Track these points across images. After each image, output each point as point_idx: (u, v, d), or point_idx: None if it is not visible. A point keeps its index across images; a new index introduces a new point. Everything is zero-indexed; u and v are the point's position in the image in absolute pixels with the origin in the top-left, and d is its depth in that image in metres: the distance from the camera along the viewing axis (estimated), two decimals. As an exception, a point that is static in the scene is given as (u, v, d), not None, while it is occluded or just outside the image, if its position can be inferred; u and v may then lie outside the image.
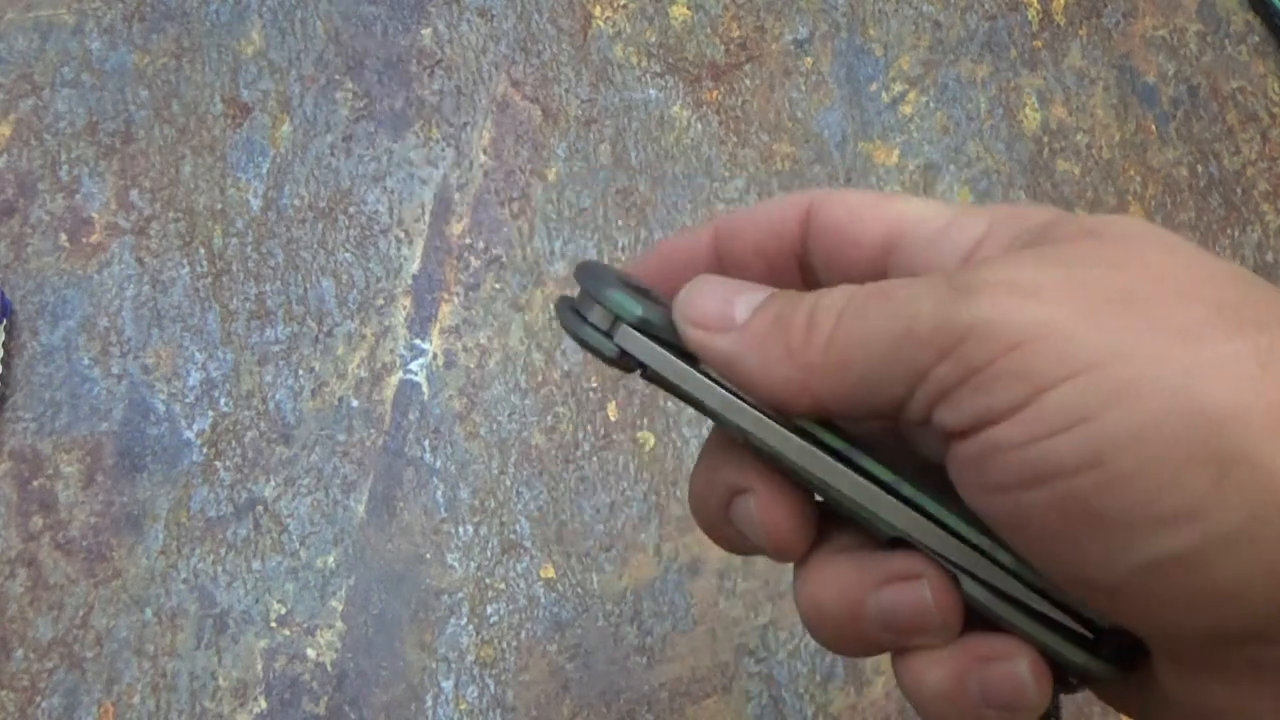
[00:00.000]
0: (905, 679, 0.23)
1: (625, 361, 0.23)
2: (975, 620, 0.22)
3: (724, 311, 0.22)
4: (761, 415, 0.22)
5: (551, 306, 0.25)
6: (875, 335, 0.20)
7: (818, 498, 0.24)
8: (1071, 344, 0.18)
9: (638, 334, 0.23)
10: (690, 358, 0.23)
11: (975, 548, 0.21)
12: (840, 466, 0.22)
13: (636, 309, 0.23)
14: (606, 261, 0.24)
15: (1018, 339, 0.18)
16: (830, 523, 0.24)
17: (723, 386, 0.23)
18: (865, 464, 0.22)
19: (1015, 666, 0.21)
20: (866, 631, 0.22)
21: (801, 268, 0.25)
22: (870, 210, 0.24)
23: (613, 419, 0.50)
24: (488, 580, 0.48)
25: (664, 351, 0.23)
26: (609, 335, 0.23)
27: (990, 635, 0.22)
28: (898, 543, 0.22)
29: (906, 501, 0.22)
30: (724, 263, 0.26)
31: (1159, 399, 0.17)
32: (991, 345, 0.19)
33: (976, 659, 0.22)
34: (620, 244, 0.53)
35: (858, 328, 0.20)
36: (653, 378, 0.23)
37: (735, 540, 0.25)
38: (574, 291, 0.24)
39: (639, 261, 0.27)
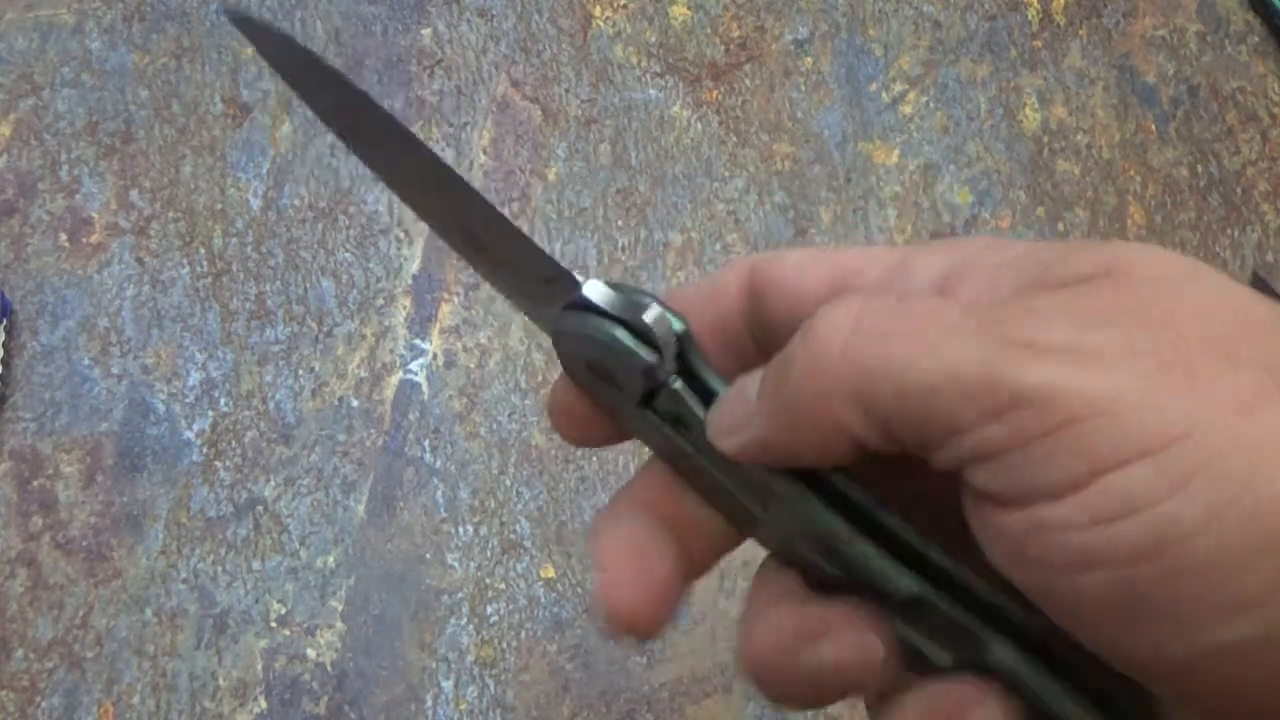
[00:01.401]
0: None
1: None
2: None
3: (744, 405, 0.21)
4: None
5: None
6: (906, 370, 0.19)
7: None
8: (1135, 424, 0.17)
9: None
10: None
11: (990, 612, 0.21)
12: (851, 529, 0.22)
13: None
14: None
15: (1080, 413, 0.17)
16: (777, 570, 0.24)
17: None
18: (881, 519, 0.22)
19: (988, 714, 0.20)
20: (798, 685, 0.22)
21: (754, 340, 0.24)
22: (813, 262, 0.23)
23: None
24: (488, 580, 0.48)
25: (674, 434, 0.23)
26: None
27: (951, 683, 0.21)
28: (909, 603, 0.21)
29: (923, 563, 0.21)
30: (761, 315, 0.25)
31: (1226, 485, 0.17)
32: (1050, 417, 0.17)
33: (945, 715, 0.20)
34: (620, 244, 0.53)
35: (875, 352, 0.19)
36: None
37: (812, 692, 0.23)
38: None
39: (672, 298, 0.26)
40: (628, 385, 0.23)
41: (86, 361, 0.50)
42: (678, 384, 0.23)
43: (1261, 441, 0.17)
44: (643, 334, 0.22)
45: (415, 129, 0.55)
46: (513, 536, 0.49)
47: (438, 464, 0.50)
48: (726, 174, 0.55)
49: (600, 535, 0.24)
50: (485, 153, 0.55)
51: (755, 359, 0.24)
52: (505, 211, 0.53)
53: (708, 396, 0.23)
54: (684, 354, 0.23)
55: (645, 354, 0.22)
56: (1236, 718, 0.18)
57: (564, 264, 0.23)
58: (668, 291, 0.25)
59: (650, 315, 0.22)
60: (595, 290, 0.23)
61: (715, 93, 0.57)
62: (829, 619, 0.21)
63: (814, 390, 0.20)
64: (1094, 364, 0.18)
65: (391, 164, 0.25)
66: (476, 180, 0.54)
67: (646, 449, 0.25)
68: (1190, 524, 0.17)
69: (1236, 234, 0.56)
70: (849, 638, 0.21)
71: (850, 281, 0.22)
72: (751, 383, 0.21)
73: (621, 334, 0.22)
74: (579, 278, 0.23)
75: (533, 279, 0.24)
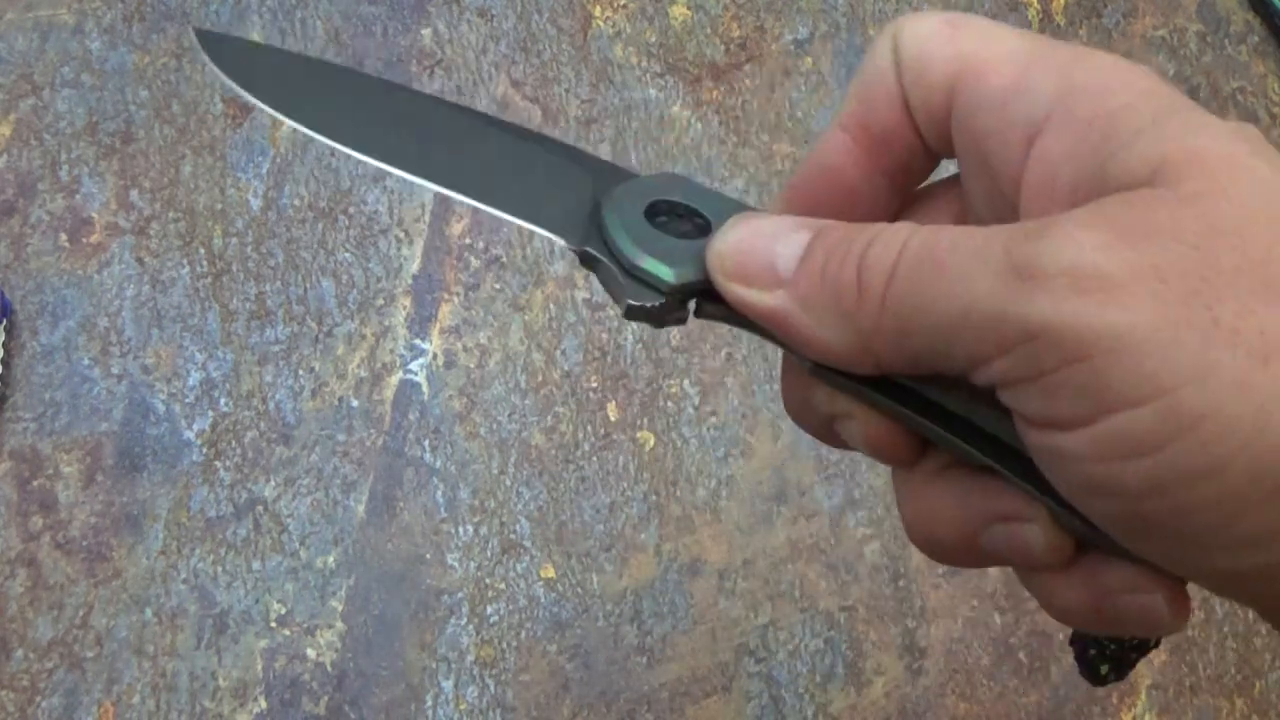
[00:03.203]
0: (1035, 592, 0.22)
1: (677, 314, 0.23)
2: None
3: (766, 263, 0.21)
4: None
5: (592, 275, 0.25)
6: (930, 309, 0.19)
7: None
8: (1142, 365, 0.17)
9: (674, 298, 0.23)
10: None
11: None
12: (909, 409, 0.21)
13: (667, 275, 0.22)
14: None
15: (1086, 351, 0.17)
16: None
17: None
18: (936, 398, 0.21)
19: (1153, 601, 0.20)
20: (983, 558, 0.22)
21: (916, 128, 0.23)
22: (937, 46, 0.22)
23: (613, 419, 0.50)
24: (488, 580, 0.48)
25: (710, 306, 0.23)
26: (651, 292, 0.23)
27: (1119, 565, 0.21)
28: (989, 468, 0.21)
29: (987, 436, 0.21)
30: (868, 139, 0.24)
31: (1231, 437, 0.16)
32: (1057, 353, 0.17)
33: (1108, 591, 0.21)
34: (620, 244, 0.53)
35: (910, 298, 0.19)
36: (710, 315, 0.23)
37: (842, 444, 0.24)
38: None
39: (789, 185, 0.26)
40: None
41: (86, 361, 0.50)
42: (701, 311, 0.23)
43: (1273, 393, 0.16)
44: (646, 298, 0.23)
45: (415, 129, 0.55)
46: (513, 536, 0.49)
47: (438, 464, 0.50)
48: (726, 174, 0.55)
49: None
50: (485, 153, 0.55)
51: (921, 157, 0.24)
52: (505, 211, 0.54)
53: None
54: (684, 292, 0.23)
55: (655, 312, 0.23)
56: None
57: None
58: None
59: (631, 290, 0.23)
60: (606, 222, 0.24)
61: (715, 93, 0.57)
62: (1005, 503, 0.21)
63: (854, 329, 0.20)
64: (1108, 295, 0.17)
65: (404, 137, 0.24)
66: (476, 180, 0.54)
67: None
68: (1191, 471, 0.17)
69: (1236, 234, 0.56)
70: (1034, 526, 0.21)
71: (968, 88, 0.21)
72: (780, 239, 0.22)
73: (629, 307, 0.23)
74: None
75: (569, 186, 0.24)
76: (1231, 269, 0.17)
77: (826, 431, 0.24)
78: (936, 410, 0.21)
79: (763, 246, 0.21)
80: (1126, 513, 0.18)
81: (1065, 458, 0.18)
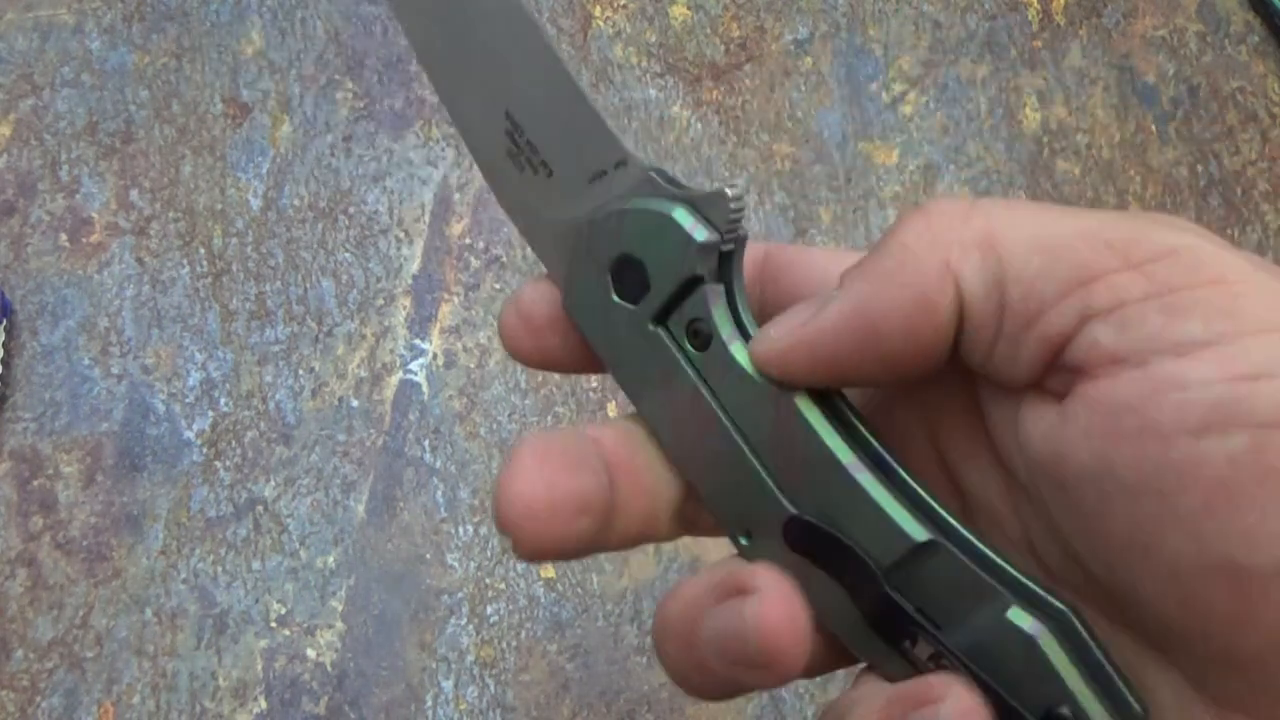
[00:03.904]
0: None
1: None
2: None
3: (805, 312, 0.20)
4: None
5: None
6: (1041, 225, 0.18)
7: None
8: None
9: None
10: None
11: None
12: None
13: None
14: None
15: (1224, 275, 0.17)
16: None
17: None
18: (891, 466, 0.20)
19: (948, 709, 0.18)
20: (702, 658, 0.19)
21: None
22: (833, 263, 0.21)
23: (612, 419, 0.50)
24: (488, 580, 0.48)
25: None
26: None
27: (920, 679, 0.19)
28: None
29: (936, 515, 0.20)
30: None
31: None
32: (1196, 273, 0.17)
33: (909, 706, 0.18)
34: (620, 244, 0.53)
35: (1008, 217, 0.18)
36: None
37: (713, 674, 0.20)
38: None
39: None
40: (660, 283, 0.21)
41: (86, 361, 0.50)
42: (719, 285, 0.21)
43: None
44: (705, 211, 0.21)
45: (415, 129, 0.55)
46: (513, 536, 0.49)
47: (438, 464, 0.50)
48: (726, 174, 0.55)
49: (529, 441, 0.21)
50: (485, 153, 0.55)
51: None
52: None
53: (737, 317, 0.21)
54: (729, 263, 0.21)
55: (705, 231, 0.21)
56: None
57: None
58: None
59: (714, 192, 0.21)
60: (659, 175, 0.22)
61: (715, 93, 0.57)
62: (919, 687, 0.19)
63: (929, 240, 0.19)
64: (1229, 249, 0.17)
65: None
66: (476, 180, 0.54)
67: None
68: None
69: (1236, 234, 0.56)
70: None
71: None
72: (816, 298, 0.20)
73: (682, 211, 0.21)
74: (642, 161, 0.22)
75: (582, 168, 0.23)
76: None
77: (697, 639, 0.20)
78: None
79: (797, 306, 0.21)
80: (1241, 448, 0.16)
81: (1180, 387, 0.17)
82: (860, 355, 0.19)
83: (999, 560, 0.19)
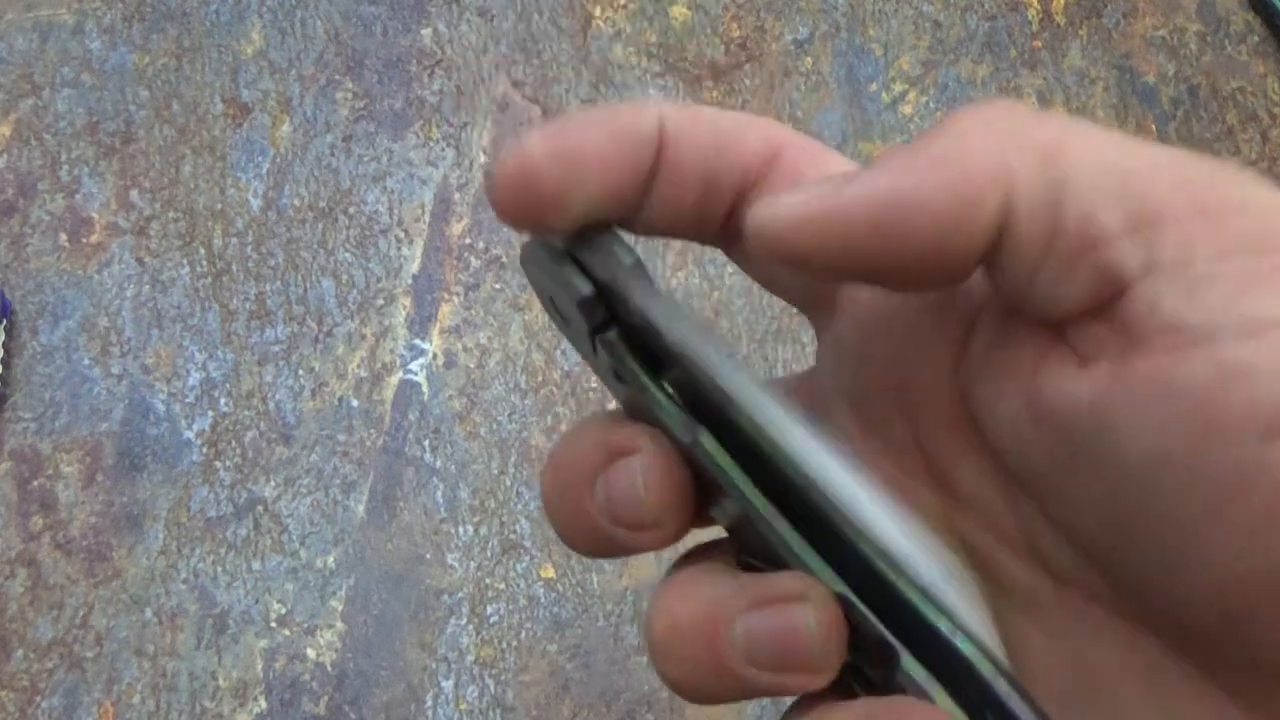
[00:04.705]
0: None
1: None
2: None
3: (830, 183, 0.18)
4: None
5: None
6: (1111, 151, 0.16)
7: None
8: None
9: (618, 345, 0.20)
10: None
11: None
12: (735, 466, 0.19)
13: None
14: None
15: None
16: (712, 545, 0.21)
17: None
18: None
19: None
20: (725, 661, 0.18)
21: (733, 206, 0.21)
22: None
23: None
24: (488, 580, 0.48)
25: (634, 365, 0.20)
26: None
27: (899, 700, 0.18)
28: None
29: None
30: (659, 165, 0.20)
31: None
32: (1271, 236, 0.15)
33: None
34: (620, 244, 0.53)
35: (1079, 136, 0.17)
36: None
37: (596, 528, 0.20)
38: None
39: (558, 131, 0.20)
40: (575, 323, 0.21)
41: (86, 361, 0.50)
42: (611, 334, 0.20)
43: None
44: (587, 268, 0.20)
45: (415, 129, 0.55)
46: (513, 536, 0.49)
47: (438, 464, 0.50)
48: (726, 174, 0.55)
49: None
50: (485, 153, 0.55)
51: (719, 228, 0.20)
52: (505, 211, 0.54)
53: (648, 343, 0.20)
54: (626, 294, 0.20)
55: (583, 286, 0.20)
56: None
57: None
58: (681, 109, 0.21)
59: (593, 248, 0.20)
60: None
61: (715, 93, 0.57)
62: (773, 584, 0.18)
63: (987, 134, 0.17)
64: None
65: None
66: (476, 180, 0.54)
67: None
68: None
69: (1236, 234, 0.56)
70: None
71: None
72: (837, 175, 0.18)
73: (566, 267, 0.20)
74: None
75: None
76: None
77: (587, 494, 0.20)
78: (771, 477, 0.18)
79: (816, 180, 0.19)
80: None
81: (1249, 376, 0.15)
82: (879, 246, 0.17)
83: (914, 605, 0.18)
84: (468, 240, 0.53)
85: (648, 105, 0.19)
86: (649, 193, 0.20)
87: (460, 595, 0.48)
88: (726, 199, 0.20)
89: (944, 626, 0.17)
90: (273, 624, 0.47)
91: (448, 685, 0.47)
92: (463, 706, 0.47)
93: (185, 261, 0.52)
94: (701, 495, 0.20)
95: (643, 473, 0.19)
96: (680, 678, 0.19)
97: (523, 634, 0.48)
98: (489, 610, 0.48)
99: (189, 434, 0.49)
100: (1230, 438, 0.15)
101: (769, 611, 0.18)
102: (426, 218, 0.53)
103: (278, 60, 0.55)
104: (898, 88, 0.58)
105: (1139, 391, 0.16)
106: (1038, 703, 0.17)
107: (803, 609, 0.18)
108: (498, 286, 0.52)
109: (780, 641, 0.18)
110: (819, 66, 0.58)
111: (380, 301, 0.52)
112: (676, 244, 0.54)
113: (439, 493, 0.49)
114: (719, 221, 0.21)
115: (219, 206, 0.53)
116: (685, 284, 0.53)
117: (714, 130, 0.20)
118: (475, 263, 0.53)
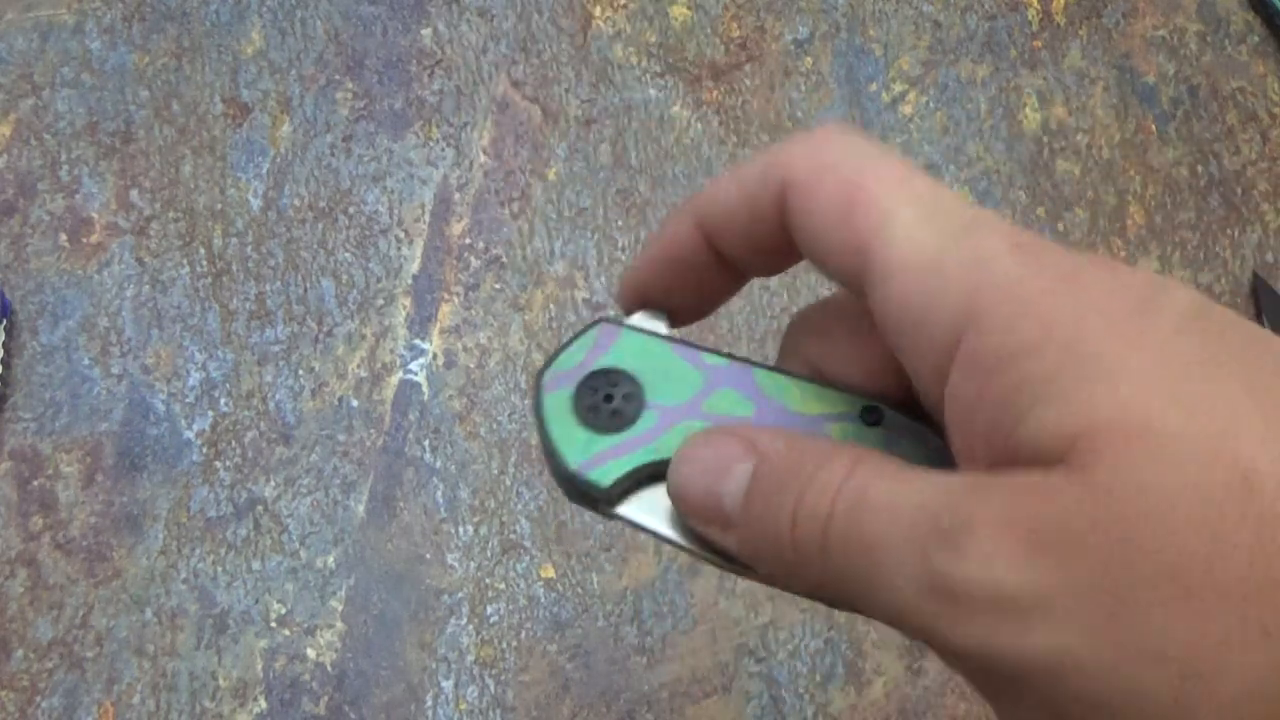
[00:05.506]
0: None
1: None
2: None
3: (715, 506, 0.21)
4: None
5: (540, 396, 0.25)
6: (865, 591, 0.19)
7: None
8: (1086, 687, 0.16)
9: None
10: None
11: None
12: None
13: (604, 480, 0.22)
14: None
15: (1025, 672, 0.17)
16: None
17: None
18: None
19: None
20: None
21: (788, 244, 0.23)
22: (844, 216, 0.21)
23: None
24: (488, 580, 0.48)
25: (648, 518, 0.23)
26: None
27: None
28: None
29: None
30: (716, 248, 0.24)
31: None
32: (996, 677, 0.17)
33: None
34: (620, 244, 0.53)
35: (847, 571, 0.19)
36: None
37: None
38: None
39: (634, 271, 0.25)
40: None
41: (86, 361, 0.50)
42: (616, 509, 0.23)
43: (1211, 709, 0.16)
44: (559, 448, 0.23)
45: (415, 129, 0.55)
46: (513, 536, 0.49)
47: (438, 464, 0.50)
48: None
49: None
50: (485, 153, 0.55)
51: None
52: (505, 212, 0.54)
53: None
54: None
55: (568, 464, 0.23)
56: None
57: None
58: (701, 194, 0.25)
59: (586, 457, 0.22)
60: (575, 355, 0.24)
61: (715, 93, 0.57)
62: None
63: (801, 580, 0.20)
64: (1030, 622, 0.16)
65: None
66: (476, 180, 0.54)
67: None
68: None
69: (1236, 234, 0.56)
70: None
71: (878, 267, 0.20)
72: (724, 477, 0.21)
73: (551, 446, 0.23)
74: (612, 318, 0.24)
75: None
76: (1148, 579, 0.16)
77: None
78: None
79: (709, 486, 0.21)
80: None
81: None
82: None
83: None
84: (468, 240, 0.53)
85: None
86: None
87: (460, 595, 0.48)
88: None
89: None
90: (273, 624, 0.47)
91: (448, 685, 0.47)
92: (463, 706, 0.47)
93: (185, 261, 0.52)
94: None
95: None
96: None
97: (523, 634, 0.48)
98: (489, 610, 0.48)
99: (189, 434, 0.49)
100: None
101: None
102: (426, 218, 0.53)
103: (278, 60, 0.55)
104: (898, 88, 0.58)
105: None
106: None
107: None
108: (498, 286, 0.52)
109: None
110: (819, 66, 0.58)
111: (380, 301, 0.52)
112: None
113: (439, 493, 0.49)
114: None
115: (219, 206, 0.53)
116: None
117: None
118: (475, 263, 0.53)
